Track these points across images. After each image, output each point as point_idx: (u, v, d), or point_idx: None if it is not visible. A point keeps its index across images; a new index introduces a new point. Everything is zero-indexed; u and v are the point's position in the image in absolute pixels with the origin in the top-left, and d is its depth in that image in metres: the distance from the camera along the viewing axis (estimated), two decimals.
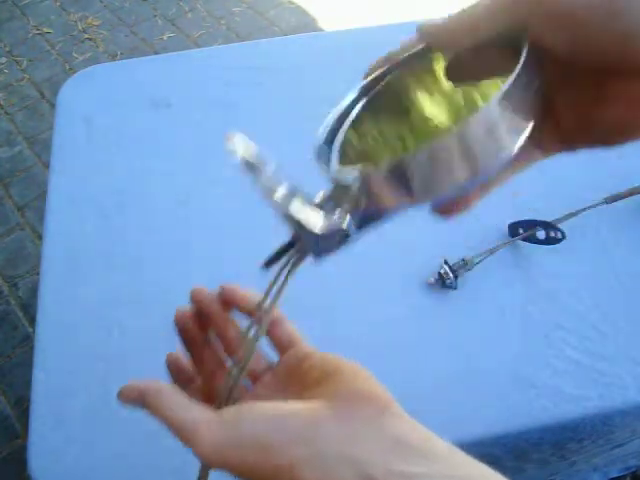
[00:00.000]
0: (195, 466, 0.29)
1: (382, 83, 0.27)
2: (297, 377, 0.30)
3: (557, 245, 0.62)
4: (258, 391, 0.32)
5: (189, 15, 2.23)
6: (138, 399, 0.28)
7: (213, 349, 0.34)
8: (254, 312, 0.31)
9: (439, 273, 0.61)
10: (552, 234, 0.62)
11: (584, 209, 0.64)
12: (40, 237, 1.59)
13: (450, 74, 0.26)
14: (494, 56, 0.24)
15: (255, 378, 0.33)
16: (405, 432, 0.24)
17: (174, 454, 0.53)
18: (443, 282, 0.61)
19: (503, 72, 0.22)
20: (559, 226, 0.61)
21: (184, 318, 0.34)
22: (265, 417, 0.25)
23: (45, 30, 2.21)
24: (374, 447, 0.23)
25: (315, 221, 0.23)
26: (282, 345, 0.33)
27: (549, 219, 0.62)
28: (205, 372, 0.34)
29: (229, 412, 0.26)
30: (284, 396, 0.29)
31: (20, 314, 1.46)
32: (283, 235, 0.27)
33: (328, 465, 0.23)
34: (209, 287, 0.34)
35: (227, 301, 0.33)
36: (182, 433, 0.25)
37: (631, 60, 0.19)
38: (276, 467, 0.23)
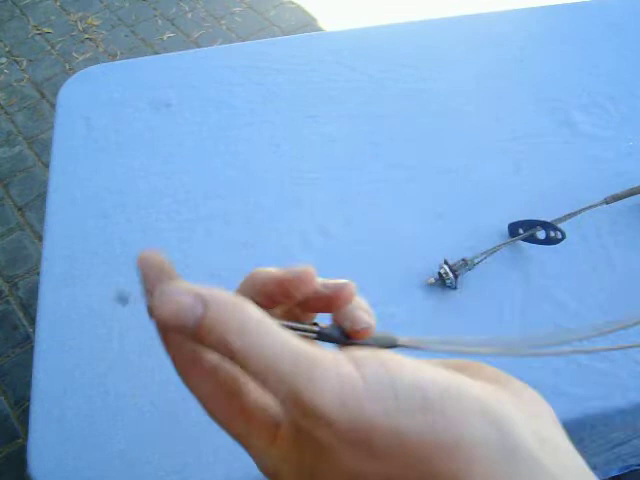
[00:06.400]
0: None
1: None
2: None
3: (557, 245, 0.62)
4: None
5: (189, 15, 2.23)
6: (192, 308, 0.18)
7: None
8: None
9: (439, 273, 0.61)
10: (552, 234, 0.62)
11: (584, 209, 0.64)
12: (40, 237, 1.59)
13: None
14: None
15: None
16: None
17: (174, 454, 0.53)
18: (443, 282, 0.61)
19: None
20: (559, 226, 0.61)
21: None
22: (433, 374, 0.18)
23: (45, 30, 2.21)
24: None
25: None
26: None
27: (549, 219, 0.62)
28: None
29: (365, 355, 0.19)
30: None
31: (20, 314, 1.46)
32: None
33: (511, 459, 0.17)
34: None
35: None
36: (289, 372, 0.17)
37: None
38: (439, 445, 0.17)
